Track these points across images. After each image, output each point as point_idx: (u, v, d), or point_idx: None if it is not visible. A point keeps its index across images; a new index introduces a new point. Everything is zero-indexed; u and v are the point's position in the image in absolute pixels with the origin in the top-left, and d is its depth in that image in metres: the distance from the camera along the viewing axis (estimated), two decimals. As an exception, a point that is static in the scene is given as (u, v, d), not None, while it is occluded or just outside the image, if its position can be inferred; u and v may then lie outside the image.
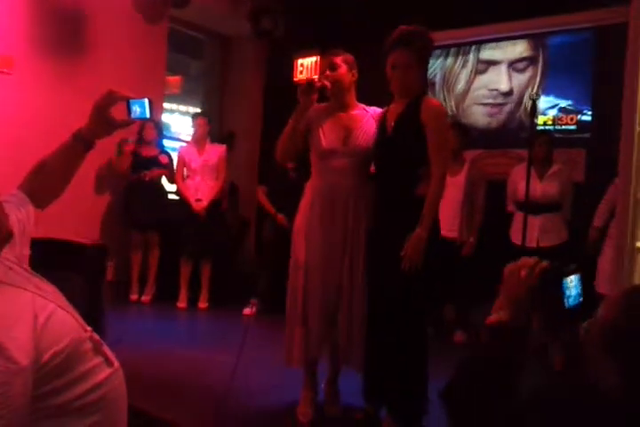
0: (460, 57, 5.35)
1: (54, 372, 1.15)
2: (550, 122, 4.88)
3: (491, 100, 5.20)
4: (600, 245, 3.95)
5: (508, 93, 5.11)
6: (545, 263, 1.09)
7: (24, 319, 1.14)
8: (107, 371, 1.25)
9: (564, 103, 4.84)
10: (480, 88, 5.25)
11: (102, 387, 1.23)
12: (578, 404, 0.98)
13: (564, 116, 4.84)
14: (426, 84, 2.80)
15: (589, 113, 4.72)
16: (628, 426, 0.93)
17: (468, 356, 1.13)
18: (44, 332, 1.14)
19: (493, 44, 5.18)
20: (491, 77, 5.20)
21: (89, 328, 1.27)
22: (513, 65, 5.09)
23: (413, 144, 2.45)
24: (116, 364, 1.30)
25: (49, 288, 1.31)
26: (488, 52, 5.22)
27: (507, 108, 5.12)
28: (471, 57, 5.29)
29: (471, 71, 5.29)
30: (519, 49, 5.09)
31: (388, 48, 2.49)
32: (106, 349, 1.29)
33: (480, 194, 4.41)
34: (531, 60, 5.01)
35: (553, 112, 4.89)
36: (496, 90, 5.16)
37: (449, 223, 4.01)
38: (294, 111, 2.59)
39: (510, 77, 5.10)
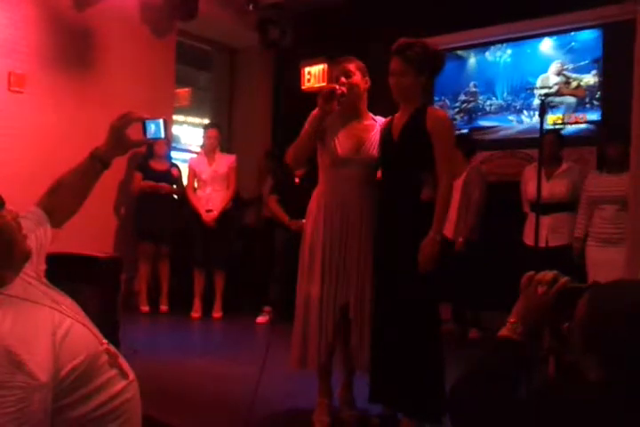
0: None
1: (72, 386, 1.17)
2: (560, 121, 4.85)
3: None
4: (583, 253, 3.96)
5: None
6: (563, 280, 1.10)
7: (43, 336, 1.16)
8: (122, 383, 1.27)
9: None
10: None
11: (117, 398, 1.25)
12: (565, 399, 1.00)
13: (574, 114, 4.81)
14: (426, 95, 2.82)
15: (599, 111, 4.69)
16: (610, 419, 0.94)
17: (474, 363, 1.14)
18: (62, 347, 1.16)
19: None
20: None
21: (105, 341, 1.29)
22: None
23: (419, 151, 2.52)
24: (131, 376, 1.32)
25: (66, 301, 1.33)
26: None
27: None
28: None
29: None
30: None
31: (390, 58, 2.59)
32: (121, 361, 1.30)
33: (475, 194, 4.37)
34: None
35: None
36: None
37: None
38: (313, 117, 2.59)
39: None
